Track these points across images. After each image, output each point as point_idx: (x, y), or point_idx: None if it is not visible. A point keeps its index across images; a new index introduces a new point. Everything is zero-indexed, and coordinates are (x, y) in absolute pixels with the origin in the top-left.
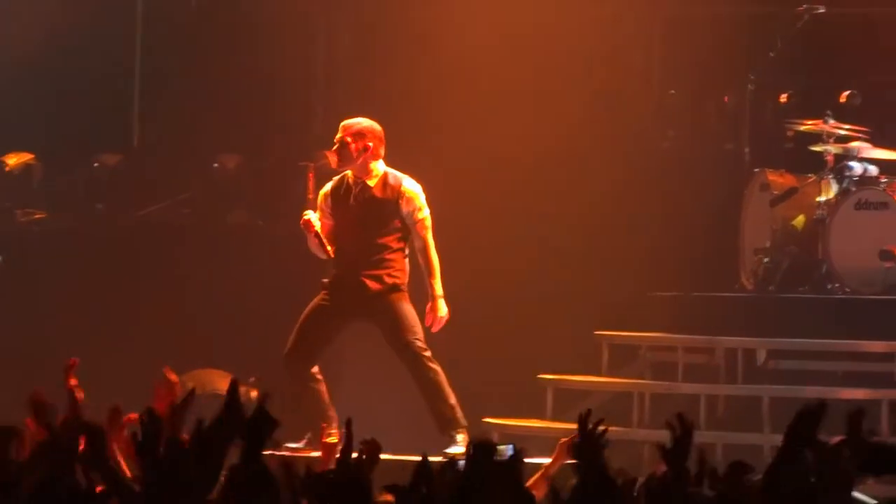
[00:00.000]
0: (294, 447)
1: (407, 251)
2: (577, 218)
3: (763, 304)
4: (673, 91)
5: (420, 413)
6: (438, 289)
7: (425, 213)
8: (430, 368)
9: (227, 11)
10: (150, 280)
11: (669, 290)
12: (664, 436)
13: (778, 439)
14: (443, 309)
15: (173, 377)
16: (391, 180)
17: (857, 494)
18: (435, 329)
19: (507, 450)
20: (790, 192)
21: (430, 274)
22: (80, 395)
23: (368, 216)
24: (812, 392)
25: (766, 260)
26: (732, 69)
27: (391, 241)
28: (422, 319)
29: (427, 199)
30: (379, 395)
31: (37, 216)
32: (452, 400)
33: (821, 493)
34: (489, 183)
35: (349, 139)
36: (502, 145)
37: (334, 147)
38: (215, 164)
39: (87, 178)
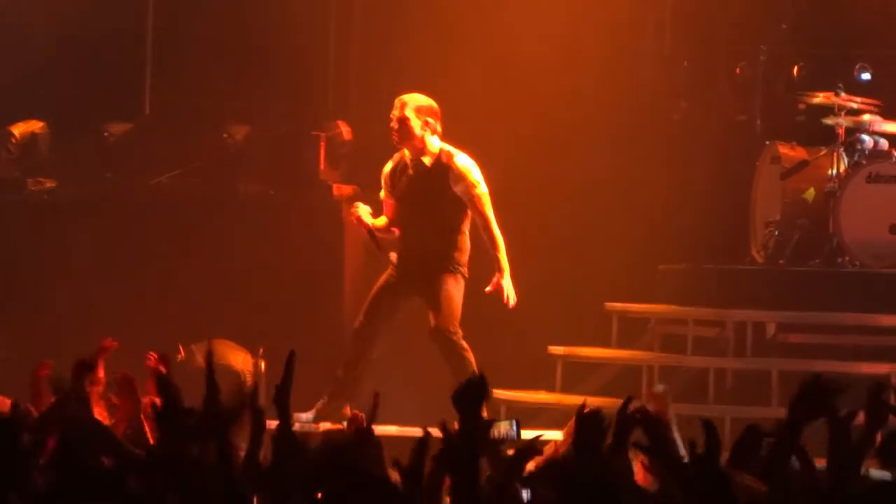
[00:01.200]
0: (304, 418)
1: (466, 229)
2: (588, 190)
3: (773, 277)
4: (685, 62)
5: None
6: (503, 262)
7: (481, 189)
8: (460, 353)
9: None
10: (159, 250)
11: (679, 262)
12: (673, 409)
13: (786, 413)
14: (507, 284)
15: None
16: (444, 157)
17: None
18: (509, 302)
19: (510, 424)
20: (801, 164)
21: (494, 248)
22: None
23: (424, 194)
24: (822, 366)
25: (776, 233)
26: (745, 41)
27: (448, 218)
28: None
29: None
30: (388, 366)
31: (47, 185)
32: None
33: (832, 468)
34: (499, 155)
35: (408, 115)
36: (512, 117)
37: (392, 123)
38: (225, 134)
39: (96, 146)
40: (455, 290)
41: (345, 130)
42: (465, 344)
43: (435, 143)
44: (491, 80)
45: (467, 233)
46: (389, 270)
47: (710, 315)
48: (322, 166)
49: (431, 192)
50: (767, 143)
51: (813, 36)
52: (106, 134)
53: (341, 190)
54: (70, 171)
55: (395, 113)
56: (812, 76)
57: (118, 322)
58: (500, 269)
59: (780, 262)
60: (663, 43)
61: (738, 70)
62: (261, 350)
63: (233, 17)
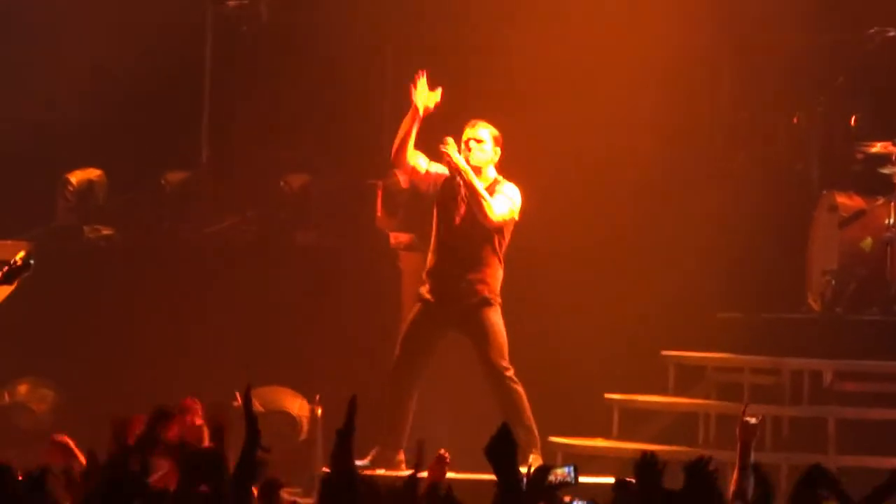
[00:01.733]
0: (360, 465)
1: (501, 258)
2: (647, 238)
3: (830, 326)
4: (745, 112)
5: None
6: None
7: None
8: (513, 390)
9: (297, 27)
10: (217, 298)
11: (736, 311)
12: (730, 456)
13: (843, 461)
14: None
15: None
16: (496, 186)
17: None
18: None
19: (567, 470)
20: (859, 213)
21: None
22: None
23: (468, 219)
24: (878, 414)
25: (833, 282)
26: (802, 92)
27: (490, 248)
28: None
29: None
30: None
31: (104, 232)
32: (529, 422)
33: None
34: (559, 205)
35: (485, 139)
36: (570, 158)
37: (465, 142)
38: (282, 183)
39: (153, 194)
40: (497, 319)
41: (402, 179)
42: (513, 375)
43: (491, 173)
44: (548, 130)
45: (502, 264)
46: (419, 307)
47: (767, 363)
48: (379, 214)
49: (476, 218)
50: (825, 192)
51: (870, 86)
52: (163, 182)
53: (398, 238)
54: (127, 219)
55: (474, 133)
56: (869, 126)
57: (177, 369)
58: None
59: (837, 310)
60: (721, 94)
61: (795, 119)
62: (317, 397)
63: (291, 66)
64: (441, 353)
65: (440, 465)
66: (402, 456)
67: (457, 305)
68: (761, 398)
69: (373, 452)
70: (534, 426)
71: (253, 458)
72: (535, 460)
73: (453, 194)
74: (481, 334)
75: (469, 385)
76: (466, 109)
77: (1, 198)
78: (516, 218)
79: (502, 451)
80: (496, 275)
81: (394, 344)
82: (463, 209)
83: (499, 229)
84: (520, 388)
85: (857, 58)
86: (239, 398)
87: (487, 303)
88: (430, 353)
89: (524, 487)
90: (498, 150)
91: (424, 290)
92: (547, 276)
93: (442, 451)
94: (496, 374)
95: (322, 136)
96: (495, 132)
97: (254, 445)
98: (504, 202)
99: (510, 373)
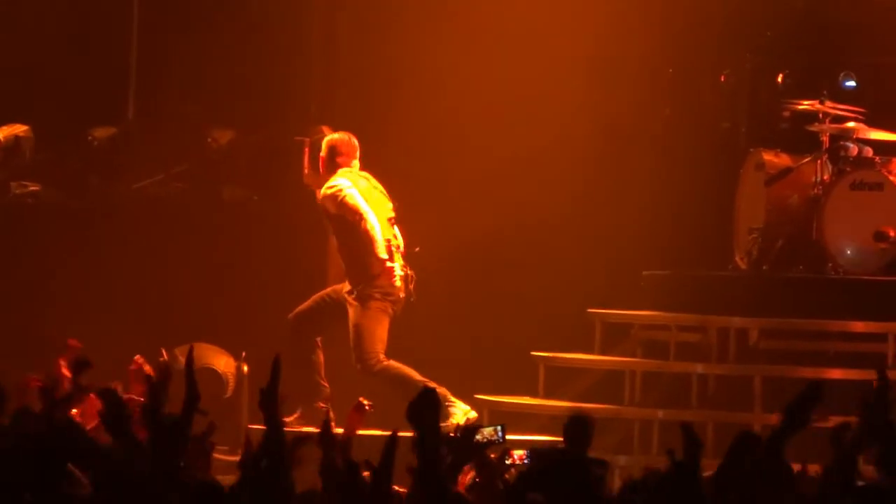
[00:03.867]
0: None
1: (364, 253)
2: (571, 196)
3: (756, 284)
4: (670, 70)
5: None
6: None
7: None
8: (388, 378)
9: None
10: (142, 254)
11: (663, 268)
12: (654, 415)
13: (769, 419)
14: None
15: (146, 367)
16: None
17: None
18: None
19: (496, 429)
20: (785, 171)
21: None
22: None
23: (330, 227)
24: (804, 372)
25: (760, 239)
26: (730, 48)
27: (343, 247)
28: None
29: (420, 178)
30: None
31: (31, 188)
32: (419, 384)
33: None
34: (479, 160)
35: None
36: (494, 122)
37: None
38: (210, 139)
39: (80, 150)
40: (362, 313)
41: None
42: (389, 366)
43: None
44: (473, 83)
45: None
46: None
47: (693, 321)
48: (306, 170)
49: (330, 225)
50: (752, 149)
51: (798, 43)
52: (90, 138)
53: None
54: (54, 175)
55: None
56: (797, 83)
57: (101, 325)
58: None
59: (764, 268)
60: (648, 50)
61: (722, 77)
62: (243, 354)
63: (217, 22)
64: None
65: (360, 413)
66: (321, 405)
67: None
68: (687, 356)
69: (298, 411)
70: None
71: (191, 417)
72: (456, 416)
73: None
74: (349, 324)
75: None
76: (394, 69)
77: None
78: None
79: (423, 413)
80: (358, 270)
81: None
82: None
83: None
84: (390, 367)
85: (785, 15)
86: (165, 354)
87: (351, 295)
88: (331, 321)
89: (453, 447)
90: (323, 155)
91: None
92: (472, 236)
93: (362, 398)
94: (364, 366)
95: (249, 92)
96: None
97: (193, 405)
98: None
99: (378, 365)
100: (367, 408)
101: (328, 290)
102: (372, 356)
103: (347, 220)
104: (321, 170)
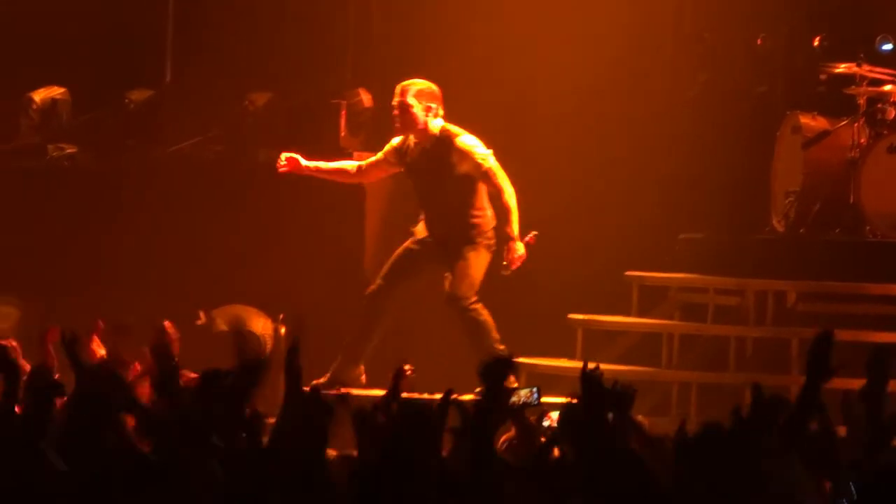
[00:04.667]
0: (319, 384)
1: (483, 203)
2: (609, 160)
3: (794, 247)
4: (706, 34)
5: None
6: (514, 231)
7: (489, 163)
8: (473, 320)
9: None
10: (179, 216)
11: (701, 231)
12: (693, 377)
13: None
14: (519, 249)
15: (171, 331)
16: (446, 139)
17: None
18: (514, 267)
19: (531, 391)
20: (822, 134)
21: (505, 220)
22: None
23: (432, 175)
24: (842, 335)
25: (797, 202)
26: (767, 11)
27: (462, 195)
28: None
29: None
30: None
31: (67, 151)
32: (495, 341)
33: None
34: (522, 124)
35: (409, 101)
36: (533, 87)
37: (393, 111)
38: (246, 101)
39: (117, 113)
40: (475, 260)
41: (365, 98)
42: (480, 309)
43: (436, 125)
44: (511, 49)
45: (487, 207)
46: (411, 239)
47: (731, 284)
48: (342, 133)
49: (439, 173)
50: (788, 113)
51: (834, 6)
52: (127, 101)
53: (362, 157)
54: (90, 138)
55: (396, 100)
56: (833, 46)
57: (137, 287)
58: (510, 237)
59: (801, 231)
60: (684, 15)
61: (759, 41)
62: (281, 316)
63: None
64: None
65: (402, 379)
66: (361, 370)
67: (441, 246)
68: (725, 319)
69: (331, 369)
70: (497, 348)
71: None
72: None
73: (408, 162)
74: (454, 268)
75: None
76: (431, 32)
77: None
78: (493, 161)
79: (497, 374)
80: (477, 220)
81: (357, 260)
82: (422, 172)
83: (465, 180)
84: (484, 317)
85: None
86: (203, 316)
87: (468, 242)
88: (408, 285)
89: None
90: (432, 104)
91: (418, 229)
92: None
93: (405, 365)
94: (458, 304)
95: (286, 55)
96: (420, 86)
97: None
98: (479, 167)
99: (471, 303)
100: (407, 373)
101: (396, 258)
102: (471, 292)
103: (480, 171)
104: (423, 115)
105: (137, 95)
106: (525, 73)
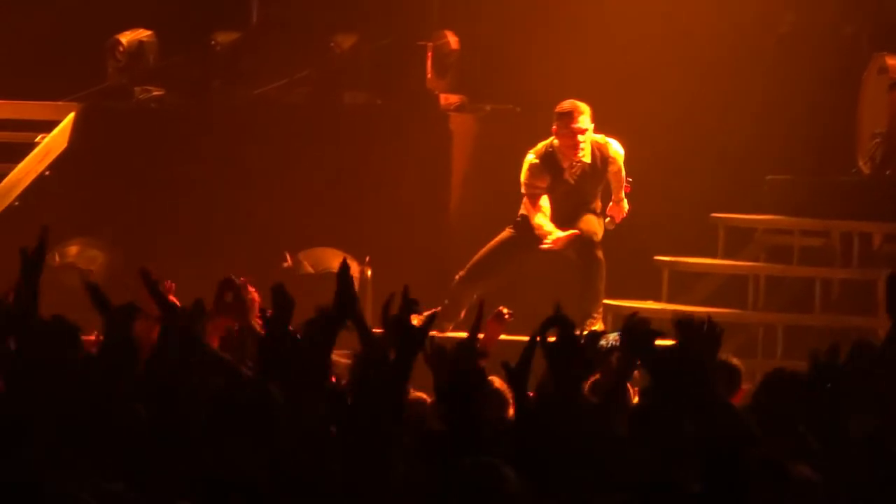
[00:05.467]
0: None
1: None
2: (695, 102)
3: (880, 188)
4: None
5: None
6: (621, 195)
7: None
8: (600, 260)
9: None
10: (266, 159)
11: (786, 173)
12: (778, 318)
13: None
14: (625, 207)
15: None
16: (600, 149)
17: None
18: (619, 221)
19: (618, 334)
20: None
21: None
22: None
23: (584, 187)
24: None
25: (883, 144)
26: None
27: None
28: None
29: (547, 90)
30: None
31: (154, 93)
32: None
33: None
34: (609, 66)
35: (589, 127)
36: (621, 30)
37: (578, 134)
38: (332, 43)
39: (203, 55)
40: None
41: (452, 40)
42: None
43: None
44: (607, 19)
45: None
46: (510, 230)
47: (816, 226)
48: (429, 75)
49: (592, 183)
50: (875, 54)
51: None
52: (213, 43)
53: (448, 99)
54: (177, 80)
55: (586, 124)
56: None
57: (228, 232)
58: (618, 200)
59: (887, 173)
60: None
61: None
62: (367, 258)
63: None
64: None
65: (499, 322)
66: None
67: None
68: (811, 260)
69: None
70: (602, 296)
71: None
72: (590, 324)
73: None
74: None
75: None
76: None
77: (52, 60)
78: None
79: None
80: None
81: (444, 204)
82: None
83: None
84: (603, 263)
85: None
86: (289, 259)
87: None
88: (506, 272)
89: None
90: (554, 126)
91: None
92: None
93: (503, 308)
94: (589, 243)
95: None
96: (587, 110)
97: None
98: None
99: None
100: (506, 316)
101: (494, 247)
102: (601, 235)
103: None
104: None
105: (223, 37)
106: (616, 19)
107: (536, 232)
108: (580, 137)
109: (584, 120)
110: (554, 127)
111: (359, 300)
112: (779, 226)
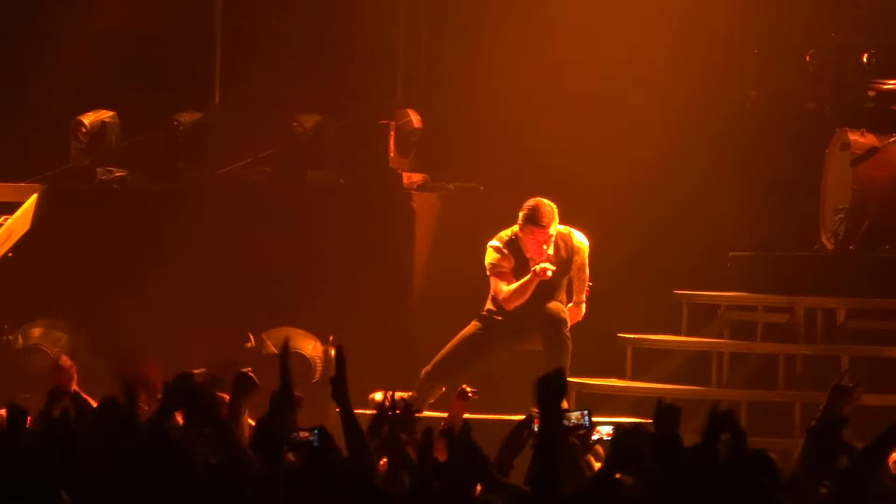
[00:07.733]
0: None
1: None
2: (657, 178)
3: (843, 264)
4: (755, 51)
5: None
6: (582, 297)
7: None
8: (566, 341)
9: None
10: (229, 239)
11: (749, 249)
12: (743, 395)
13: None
14: (581, 312)
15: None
16: (564, 239)
17: None
18: (571, 324)
19: (582, 413)
20: (871, 151)
21: (581, 290)
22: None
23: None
24: (892, 352)
25: (846, 219)
26: (815, 28)
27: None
28: None
29: (502, 158)
30: None
31: (117, 174)
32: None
33: None
34: (568, 144)
35: (553, 232)
36: (581, 108)
37: (545, 240)
38: (295, 123)
39: (166, 135)
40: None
41: (414, 119)
42: (569, 336)
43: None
44: (560, 69)
45: None
46: (477, 324)
47: (780, 301)
48: (392, 154)
49: (557, 274)
50: (837, 129)
51: (883, 23)
52: (176, 123)
53: (411, 178)
54: (140, 161)
55: (553, 231)
56: (882, 63)
57: (190, 310)
58: (579, 303)
59: (851, 248)
60: (733, 32)
61: (807, 57)
62: (330, 338)
63: (302, 7)
64: None
65: (463, 399)
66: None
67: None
68: (775, 336)
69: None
70: (567, 374)
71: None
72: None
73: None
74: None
75: None
76: (479, 52)
77: (14, 140)
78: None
79: (553, 389)
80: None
81: (406, 282)
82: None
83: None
84: (569, 342)
85: None
86: (252, 339)
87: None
88: (473, 368)
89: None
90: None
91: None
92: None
93: (465, 386)
94: (555, 322)
95: (335, 76)
96: (554, 214)
97: (288, 391)
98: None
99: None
100: (470, 395)
101: (462, 341)
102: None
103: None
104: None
105: (186, 118)
106: (570, 92)
107: (513, 293)
108: (544, 247)
109: (551, 226)
110: (519, 222)
111: (345, 382)
112: (742, 302)
